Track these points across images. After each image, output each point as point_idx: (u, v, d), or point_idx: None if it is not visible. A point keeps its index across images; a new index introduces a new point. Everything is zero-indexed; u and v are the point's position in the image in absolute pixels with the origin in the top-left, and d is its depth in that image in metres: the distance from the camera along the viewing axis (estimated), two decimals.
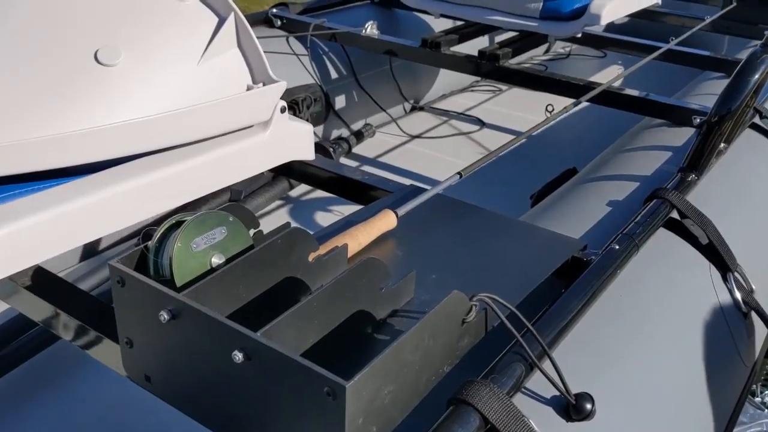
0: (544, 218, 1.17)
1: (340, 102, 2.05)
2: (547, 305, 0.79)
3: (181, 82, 0.73)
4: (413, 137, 2.17)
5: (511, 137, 2.31)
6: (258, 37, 0.78)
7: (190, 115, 0.73)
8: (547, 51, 3.03)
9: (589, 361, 0.77)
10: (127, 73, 0.70)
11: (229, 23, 0.76)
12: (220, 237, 0.67)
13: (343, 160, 1.97)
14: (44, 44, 0.69)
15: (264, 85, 0.78)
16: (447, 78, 2.43)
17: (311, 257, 0.73)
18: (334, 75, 2.02)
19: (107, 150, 0.69)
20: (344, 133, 2.05)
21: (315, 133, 2.02)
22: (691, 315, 0.94)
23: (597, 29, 1.93)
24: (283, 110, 0.80)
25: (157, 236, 0.65)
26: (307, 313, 0.61)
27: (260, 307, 0.68)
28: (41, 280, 0.76)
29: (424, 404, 0.62)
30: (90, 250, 1.35)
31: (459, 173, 1.00)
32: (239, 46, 0.77)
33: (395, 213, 0.89)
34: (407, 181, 1.79)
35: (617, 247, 0.92)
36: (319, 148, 1.84)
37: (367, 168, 1.99)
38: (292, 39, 1.93)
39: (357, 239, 0.83)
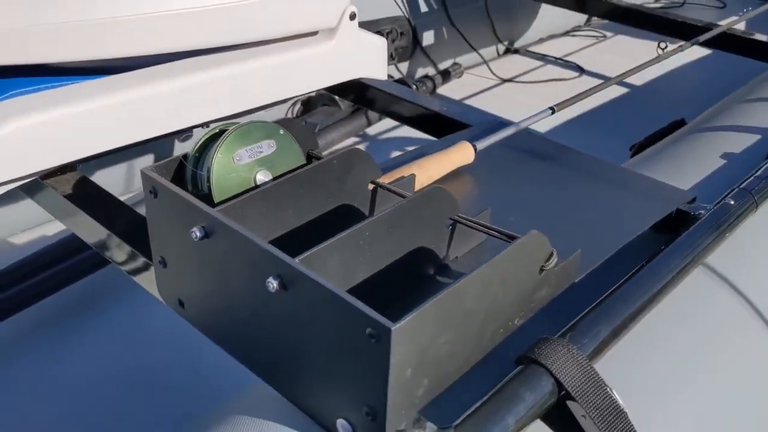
0: (644, 168, 1.04)
1: (428, 38, 1.93)
2: (643, 262, 0.68)
3: None
4: (504, 81, 2.03)
5: (611, 86, 2.14)
6: None
7: (245, 9, 0.64)
8: None
9: (690, 328, 0.66)
10: None
11: None
12: (267, 151, 0.59)
13: None
14: None
15: None
16: (546, 20, 2.26)
17: (371, 185, 0.64)
18: (423, 8, 1.89)
19: (150, 43, 0.61)
20: (430, 71, 1.93)
21: (399, 69, 1.92)
22: None
23: None
24: (352, 17, 0.71)
25: (198, 145, 0.58)
26: (358, 243, 0.52)
27: (309, 234, 0.60)
28: (82, 190, 0.71)
29: (488, 360, 0.53)
30: None
31: (551, 108, 0.88)
32: None
33: (473, 146, 0.78)
34: None
35: (732, 202, 0.78)
36: (403, 85, 1.73)
37: None
38: None
39: (427, 171, 0.73)
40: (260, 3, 0.64)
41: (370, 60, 0.76)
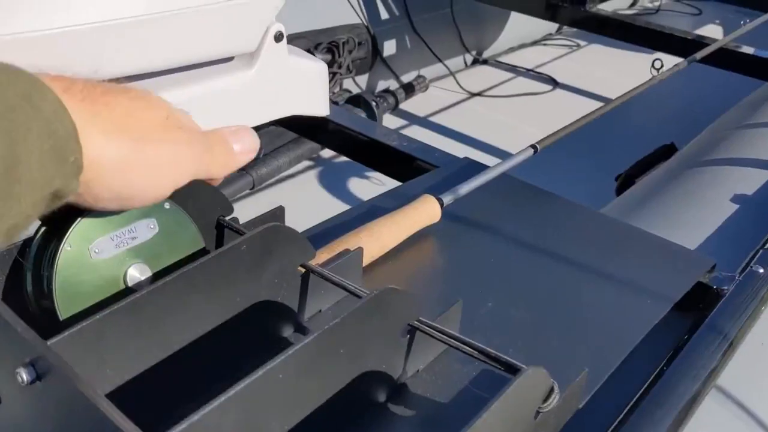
0: (639, 212, 0.88)
1: (389, 48, 1.76)
2: (662, 364, 0.52)
3: None
4: (473, 95, 1.87)
5: (588, 101, 1.99)
6: None
7: (133, 29, 0.46)
8: (633, 5, 2.66)
9: None
10: None
11: None
12: (145, 236, 0.41)
13: (387, 118, 1.68)
14: None
15: None
16: (516, 28, 2.11)
17: (301, 269, 0.47)
18: (384, 15, 1.73)
19: None
20: (392, 84, 1.76)
21: (357, 83, 1.75)
22: None
23: None
24: (278, 38, 0.53)
25: (41, 232, 0.39)
26: (269, 389, 0.35)
27: (207, 355, 0.42)
28: None
29: None
30: None
31: (534, 146, 0.72)
32: None
33: (439, 201, 0.61)
34: (462, 149, 1.47)
35: (761, 270, 0.63)
36: (360, 100, 1.56)
37: (414, 129, 1.70)
38: None
39: (379, 239, 0.56)
40: (153, 20, 0.46)
41: (305, 91, 0.59)
